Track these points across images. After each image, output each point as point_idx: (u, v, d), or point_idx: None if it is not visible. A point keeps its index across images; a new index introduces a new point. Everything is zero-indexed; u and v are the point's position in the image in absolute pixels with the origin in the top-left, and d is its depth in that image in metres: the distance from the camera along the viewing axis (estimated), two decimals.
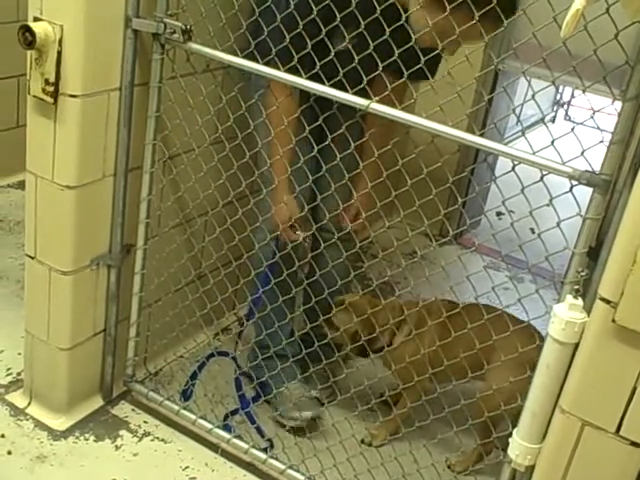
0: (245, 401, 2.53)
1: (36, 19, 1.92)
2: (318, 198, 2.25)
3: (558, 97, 6.18)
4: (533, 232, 1.72)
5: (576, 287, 1.54)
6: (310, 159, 2.18)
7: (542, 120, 5.21)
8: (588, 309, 1.49)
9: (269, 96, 2.15)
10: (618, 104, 1.53)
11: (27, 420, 2.36)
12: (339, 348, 2.40)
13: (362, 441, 2.48)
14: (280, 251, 2.32)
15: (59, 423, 2.36)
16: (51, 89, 1.95)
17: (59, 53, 1.92)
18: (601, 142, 1.63)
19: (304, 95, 2.12)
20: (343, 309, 2.39)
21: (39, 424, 2.35)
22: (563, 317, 1.51)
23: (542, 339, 2.01)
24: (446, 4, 1.80)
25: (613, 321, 1.40)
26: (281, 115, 2.13)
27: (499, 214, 3.67)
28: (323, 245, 2.24)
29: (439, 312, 2.20)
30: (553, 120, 6.16)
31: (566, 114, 6.25)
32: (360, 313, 2.33)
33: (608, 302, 1.41)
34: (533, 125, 5.33)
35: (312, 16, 1.96)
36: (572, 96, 6.16)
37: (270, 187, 2.30)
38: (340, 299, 2.42)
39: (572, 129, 1.64)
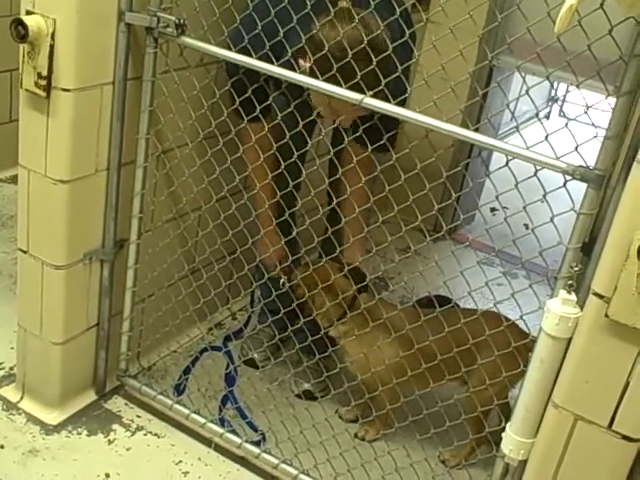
0: (234, 397, 2.54)
1: (29, 12, 1.91)
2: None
3: (553, 93, 6.19)
4: (527, 228, 1.72)
5: (569, 282, 1.54)
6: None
7: (536, 116, 5.21)
8: (581, 304, 1.50)
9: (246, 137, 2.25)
10: (612, 100, 1.53)
11: (19, 414, 2.35)
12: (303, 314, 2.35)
13: (355, 435, 2.48)
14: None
15: (52, 417, 2.35)
16: (44, 83, 1.94)
17: (52, 47, 1.91)
18: (595, 137, 1.63)
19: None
20: (305, 270, 2.36)
21: (32, 418, 2.35)
22: (557, 312, 1.51)
23: (515, 325, 2.08)
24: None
25: (606, 316, 1.40)
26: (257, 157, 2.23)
27: (493, 210, 3.67)
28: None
29: (412, 318, 2.20)
30: (548, 116, 6.17)
31: (560, 110, 6.26)
32: (323, 277, 2.28)
33: (601, 297, 1.41)
34: (527, 121, 5.34)
35: None
36: (567, 92, 6.17)
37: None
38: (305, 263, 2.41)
39: (566, 124, 1.64)
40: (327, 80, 1.89)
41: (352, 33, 1.88)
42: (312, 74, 1.93)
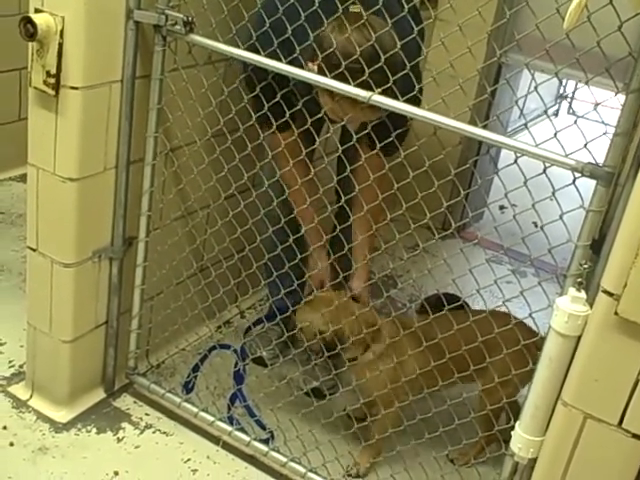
0: (242, 395, 2.54)
1: (37, 10, 1.92)
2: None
3: (561, 91, 6.17)
4: (536, 226, 1.72)
5: (579, 280, 1.53)
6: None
7: (545, 113, 5.19)
8: (591, 302, 1.49)
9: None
10: (622, 97, 1.52)
11: (29, 412, 2.36)
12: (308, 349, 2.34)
13: (348, 473, 2.34)
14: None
15: (61, 415, 2.36)
16: (52, 81, 1.95)
17: (60, 45, 1.91)
18: (604, 134, 1.62)
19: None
20: (307, 306, 2.31)
21: (41, 416, 2.35)
22: (566, 310, 1.51)
23: (524, 323, 2.07)
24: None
25: (616, 314, 1.40)
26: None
27: (502, 208, 3.66)
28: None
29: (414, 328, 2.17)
30: (556, 114, 6.14)
31: (569, 108, 6.23)
32: (325, 309, 2.24)
33: (611, 295, 1.41)
34: (536, 119, 5.32)
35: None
36: (575, 89, 6.14)
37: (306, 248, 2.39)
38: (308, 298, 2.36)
39: (575, 121, 1.63)
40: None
41: (360, 40, 1.87)
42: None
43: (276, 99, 2.08)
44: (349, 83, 1.85)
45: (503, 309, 1.92)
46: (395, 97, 1.80)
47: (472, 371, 2.07)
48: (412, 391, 2.21)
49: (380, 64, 1.81)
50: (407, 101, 1.80)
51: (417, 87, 1.94)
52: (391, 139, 1.91)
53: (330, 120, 2.17)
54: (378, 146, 1.99)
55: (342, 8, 1.92)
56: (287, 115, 2.09)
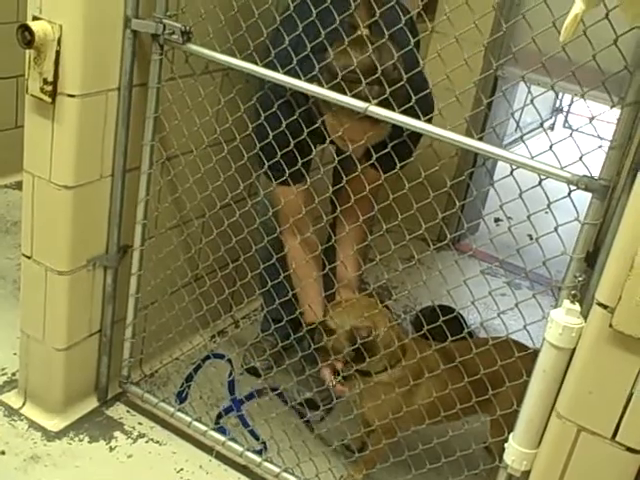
0: (238, 404, 2.53)
1: (35, 18, 1.92)
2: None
3: (557, 104, 6.19)
4: (531, 238, 1.72)
5: (573, 292, 1.53)
6: None
7: (541, 125, 5.21)
8: (585, 314, 1.49)
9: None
10: (617, 111, 1.53)
11: (21, 420, 2.35)
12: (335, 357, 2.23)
13: None
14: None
15: (53, 424, 2.35)
16: (49, 88, 1.95)
17: (58, 52, 1.91)
18: (600, 147, 1.62)
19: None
20: (340, 308, 2.22)
21: (33, 424, 2.34)
22: (560, 322, 1.51)
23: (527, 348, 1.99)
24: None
25: (610, 326, 1.40)
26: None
27: (497, 220, 3.67)
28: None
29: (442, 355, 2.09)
30: (552, 127, 6.17)
31: (565, 121, 6.26)
32: (359, 313, 2.16)
33: (605, 307, 1.41)
34: (532, 132, 5.34)
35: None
36: (571, 103, 6.17)
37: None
38: (337, 300, 2.28)
39: (570, 134, 1.64)
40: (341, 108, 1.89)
41: (364, 62, 1.88)
42: (325, 102, 1.94)
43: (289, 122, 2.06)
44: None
45: (518, 335, 1.88)
46: (417, 117, 1.79)
47: (489, 401, 1.99)
48: (417, 421, 2.15)
49: (388, 86, 1.83)
50: (422, 105, 1.81)
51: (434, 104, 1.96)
52: (397, 158, 1.92)
53: (337, 147, 2.17)
54: (374, 160, 1.99)
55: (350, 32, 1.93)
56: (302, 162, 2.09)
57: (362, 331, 2.12)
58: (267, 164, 2.14)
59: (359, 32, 1.95)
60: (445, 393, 2.05)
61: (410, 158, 2.08)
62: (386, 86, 1.83)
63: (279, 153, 2.10)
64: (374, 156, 1.97)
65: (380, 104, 1.83)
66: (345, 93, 1.85)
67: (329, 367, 2.24)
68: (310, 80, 1.96)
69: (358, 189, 2.06)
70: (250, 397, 2.61)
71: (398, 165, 1.93)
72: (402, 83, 1.82)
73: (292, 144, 2.06)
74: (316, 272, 2.28)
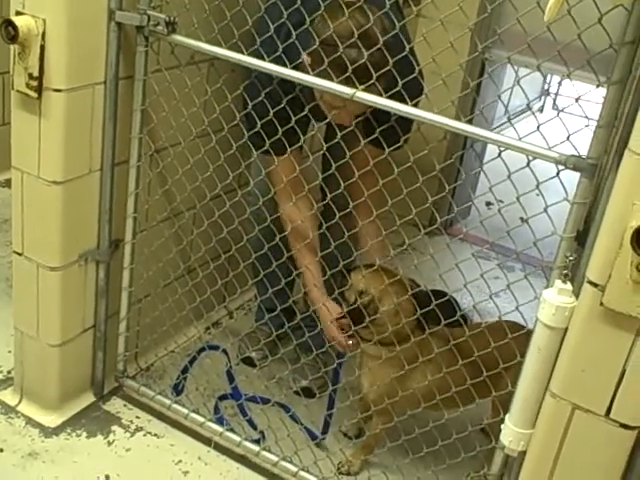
0: (238, 393, 2.53)
1: (18, 13, 1.91)
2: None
3: (546, 87, 6.19)
4: (522, 220, 1.72)
5: (565, 272, 1.54)
6: None
7: (527, 106, 5.20)
8: (577, 293, 1.50)
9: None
10: (604, 91, 1.53)
11: (18, 418, 2.35)
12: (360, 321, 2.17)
13: (338, 470, 2.33)
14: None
15: (51, 420, 2.35)
16: (35, 84, 1.94)
17: (42, 47, 1.90)
18: (587, 127, 1.62)
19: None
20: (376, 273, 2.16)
21: (30, 421, 2.34)
22: (553, 302, 1.51)
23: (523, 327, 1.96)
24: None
25: (601, 304, 1.40)
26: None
27: (488, 204, 3.68)
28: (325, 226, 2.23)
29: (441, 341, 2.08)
30: (541, 110, 6.17)
31: (554, 103, 6.26)
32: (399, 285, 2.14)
33: (596, 285, 1.41)
34: (521, 114, 5.35)
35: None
36: (560, 85, 6.17)
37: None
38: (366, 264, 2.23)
39: (557, 114, 1.64)
40: (323, 73, 1.88)
41: (347, 23, 1.86)
42: (313, 69, 1.93)
43: (279, 107, 2.05)
44: (339, 71, 1.85)
45: (513, 315, 1.88)
46: (396, 83, 1.79)
47: (489, 386, 1.99)
48: (414, 405, 2.15)
49: (379, 46, 1.81)
50: (410, 86, 1.80)
51: (417, 69, 1.93)
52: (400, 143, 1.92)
53: (319, 118, 2.16)
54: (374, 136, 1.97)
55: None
56: (293, 134, 2.07)
57: (365, 295, 2.13)
58: (267, 142, 2.13)
59: None
60: (443, 380, 2.05)
61: (409, 133, 2.08)
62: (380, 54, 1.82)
63: (264, 128, 2.10)
64: (377, 131, 1.95)
65: (365, 73, 1.81)
66: (334, 60, 1.85)
67: (334, 326, 2.24)
68: (297, 67, 1.95)
69: (361, 167, 2.03)
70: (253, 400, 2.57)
71: (402, 138, 1.92)
72: (386, 52, 1.81)
73: (283, 119, 2.06)
74: (313, 233, 2.27)
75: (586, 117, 1.98)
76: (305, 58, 1.99)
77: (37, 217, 2.13)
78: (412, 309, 2.13)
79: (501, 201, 1.81)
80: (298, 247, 2.27)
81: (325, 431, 2.38)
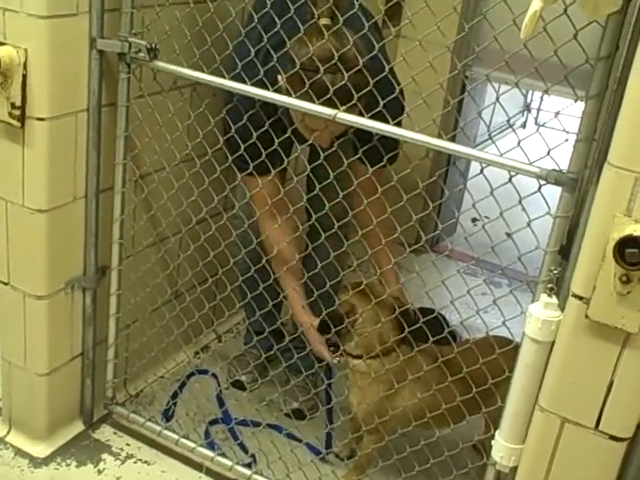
0: (228, 417, 2.52)
1: (0, 43, 1.91)
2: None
3: (528, 102, 6.24)
4: (509, 236, 1.73)
5: (549, 286, 1.55)
6: None
7: (508, 122, 5.23)
8: (562, 307, 1.50)
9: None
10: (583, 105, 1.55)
11: (7, 449, 2.33)
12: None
13: None
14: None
15: (40, 450, 2.33)
16: (18, 113, 1.94)
17: (24, 76, 1.91)
18: (566, 141, 1.64)
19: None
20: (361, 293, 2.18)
21: (19, 452, 2.32)
22: (539, 316, 1.52)
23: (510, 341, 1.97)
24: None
25: (586, 317, 1.41)
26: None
27: (474, 220, 3.70)
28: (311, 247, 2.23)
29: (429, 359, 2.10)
30: (524, 125, 6.22)
31: (536, 119, 6.31)
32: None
33: (581, 298, 1.42)
34: (504, 131, 5.38)
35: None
36: (541, 101, 6.23)
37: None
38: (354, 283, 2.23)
39: (537, 129, 1.65)
40: (302, 96, 1.89)
41: (324, 47, 1.87)
42: (288, 93, 1.93)
43: (262, 129, 2.05)
44: (316, 95, 1.86)
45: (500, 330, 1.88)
46: (377, 103, 1.80)
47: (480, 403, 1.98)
48: (405, 424, 2.16)
49: (348, 71, 1.82)
50: (391, 105, 1.82)
51: (398, 88, 1.95)
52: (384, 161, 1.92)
53: (301, 140, 2.17)
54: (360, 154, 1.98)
55: (312, 22, 1.92)
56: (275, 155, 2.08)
57: (340, 308, 2.15)
58: (250, 163, 2.14)
59: (320, 22, 1.93)
60: (433, 398, 2.05)
61: (394, 151, 2.09)
62: (345, 74, 1.82)
63: (246, 149, 2.11)
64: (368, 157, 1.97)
65: (345, 95, 1.83)
66: (305, 84, 1.86)
67: (322, 344, 2.25)
68: (279, 89, 1.97)
69: (362, 188, 2.03)
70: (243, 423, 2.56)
71: (385, 157, 1.93)
72: (365, 73, 1.82)
73: (266, 141, 2.07)
74: (298, 255, 2.28)
75: (565, 131, 2.00)
76: (281, 81, 1.99)
77: (22, 246, 2.12)
78: (395, 322, 2.14)
79: (487, 217, 1.82)
80: (282, 270, 2.27)
81: (329, 446, 2.36)
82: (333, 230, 2.12)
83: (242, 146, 2.09)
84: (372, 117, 1.82)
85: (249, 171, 2.16)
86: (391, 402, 2.15)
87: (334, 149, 2.04)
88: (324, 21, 1.94)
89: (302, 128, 2.06)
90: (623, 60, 1.38)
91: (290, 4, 1.94)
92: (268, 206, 2.20)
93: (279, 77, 1.98)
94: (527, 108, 6.25)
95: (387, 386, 2.14)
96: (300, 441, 2.46)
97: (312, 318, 2.27)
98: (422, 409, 2.09)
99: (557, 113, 1.71)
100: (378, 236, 2.06)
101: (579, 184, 1.53)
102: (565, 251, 1.57)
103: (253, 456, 2.40)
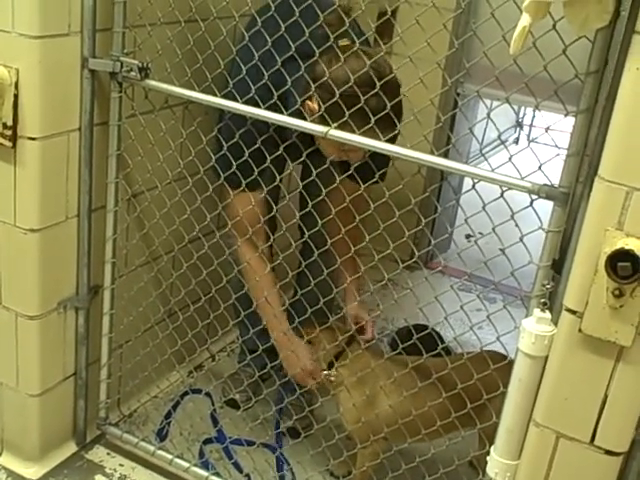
0: (223, 436, 2.51)
1: None
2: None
3: (520, 118, 6.27)
4: (503, 252, 1.73)
5: (543, 300, 1.54)
6: None
7: (499, 138, 5.25)
8: (556, 321, 1.50)
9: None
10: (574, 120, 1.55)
11: None
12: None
13: None
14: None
15: (32, 472, 2.31)
16: (9, 133, 1.94)
17: (16, 96, 1.91)
18: (557, 156, 1.64)
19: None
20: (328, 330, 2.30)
21: (12, 474, 2.30)
22: (532, 331, 1.52)
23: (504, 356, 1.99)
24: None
25: (580, 331, 1.41)
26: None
27: (468, 236, 3.70)
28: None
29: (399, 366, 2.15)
30: (517, 141, 6.24)
31: (529, 136, 6.34)
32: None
33: (574, 312, 1.42)
34: (497, 147, 5.40)
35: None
36: (534, 117, 6.26)
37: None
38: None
39: (528, 144, 1.66)
40: (339, 118, 1.85)
41: (360, 66, 1.83)
42: (321, 116, 1.90)
43: (255, 146, 2.04)
44: (355, 117, 1.84)
45: (495, 346, 1.88)
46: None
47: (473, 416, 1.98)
48: (394, 435, 2.16)
49: (388, 92, 1.81)
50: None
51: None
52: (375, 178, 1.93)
53: (293, 157, 2.17)
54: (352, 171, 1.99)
55: (332, 42, 1.89)
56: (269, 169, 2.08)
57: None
58: (242, 178, 2.14)
59: (342, 42, 1.91)
60: (417, 403, 2.06)
61: (386, 167, 2.09)
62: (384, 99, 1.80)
63: (239, 166, 2.11)
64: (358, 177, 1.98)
65: (387, 116, 1.80)
66: (344, 110, 1.83)
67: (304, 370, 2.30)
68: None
69: (339, 203, 2.04)
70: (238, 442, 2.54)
71: (377, 174, 1.94)
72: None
73: (258, 158, 2.08)
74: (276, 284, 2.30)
75: (556, 146, 2.01)
76: (310, 105, 1.97)
77: (14, 266, 2.11)
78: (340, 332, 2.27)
79: (480, 233, 1.82)
80: (261, 298, 2.27)
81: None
82: (326, 247, 2.11)
83: (235, 164, 2.09)
84: (364, 134, 1.82)
85: (242, 188, 2.16)
86: (373, 405, 2.16)
87: (326, 166, 2.04)
88: (344, 42, 1.93)
89: (330, 148, 2.05)
90: (612, 74, 1.39)
91: (302, 25, 1.90)
92: (250, 233, 2.20)
93: (308, 103, 1.97)
94: (519, 124, 6.28)
95: (362, 387, 2.18)
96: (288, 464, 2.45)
97: (297, 341, 2.28)
98: (408, 413, 2.08)
99: (547, 128, 1.72)
100: (345, 247, 2.08)
101: (570, 198, 1.53)
102: (558, 265, 1.57)
103: (248, 475, 2.38)
